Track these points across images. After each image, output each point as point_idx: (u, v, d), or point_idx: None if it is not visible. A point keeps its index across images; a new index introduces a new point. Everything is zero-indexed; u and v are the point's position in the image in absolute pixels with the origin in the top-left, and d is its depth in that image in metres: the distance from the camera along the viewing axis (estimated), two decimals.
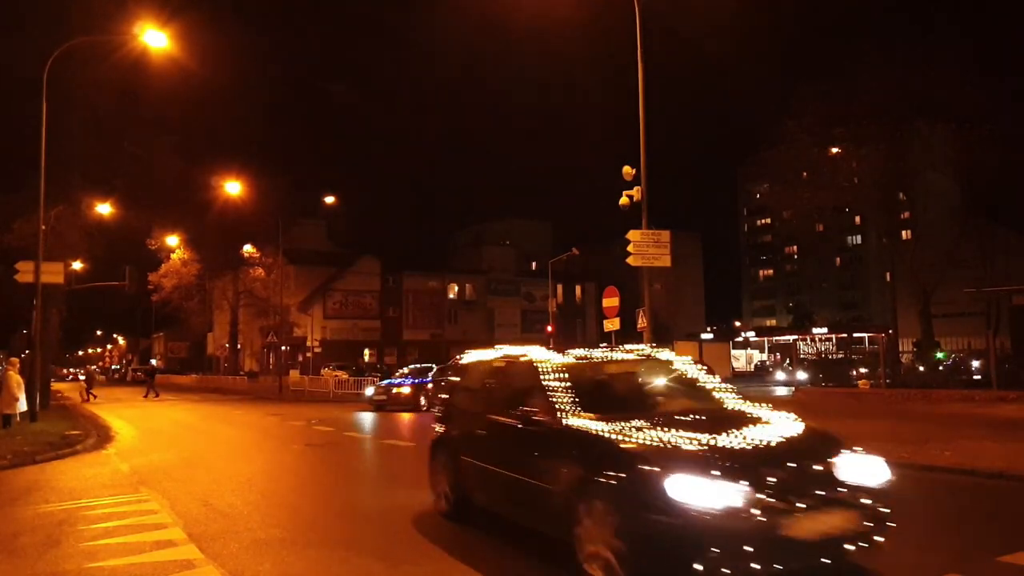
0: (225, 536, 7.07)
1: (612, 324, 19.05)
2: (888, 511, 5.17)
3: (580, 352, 7.29)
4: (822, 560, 4.72)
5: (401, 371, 29.85)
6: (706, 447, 4.94)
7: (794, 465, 4.93)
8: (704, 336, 66.58)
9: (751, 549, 4.40)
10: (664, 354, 7.29)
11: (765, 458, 4.93)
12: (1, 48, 23.61)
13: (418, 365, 29.71)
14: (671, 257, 16.12)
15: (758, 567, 4.41)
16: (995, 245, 35.22)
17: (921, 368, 24.21)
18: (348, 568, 6.03)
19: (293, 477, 10.97)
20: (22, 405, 17.23)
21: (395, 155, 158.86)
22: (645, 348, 7.80)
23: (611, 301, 19.10)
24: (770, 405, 6.47)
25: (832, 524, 4.76)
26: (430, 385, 24.87)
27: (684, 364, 7.02)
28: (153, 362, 60.17)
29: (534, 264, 79.17)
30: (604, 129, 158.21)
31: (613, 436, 5.21)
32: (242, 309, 55.14)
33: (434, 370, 26.37)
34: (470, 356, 8.22)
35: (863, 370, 25.15)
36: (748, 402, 6.48)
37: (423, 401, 24.39)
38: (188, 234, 49.07)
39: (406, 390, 25.15)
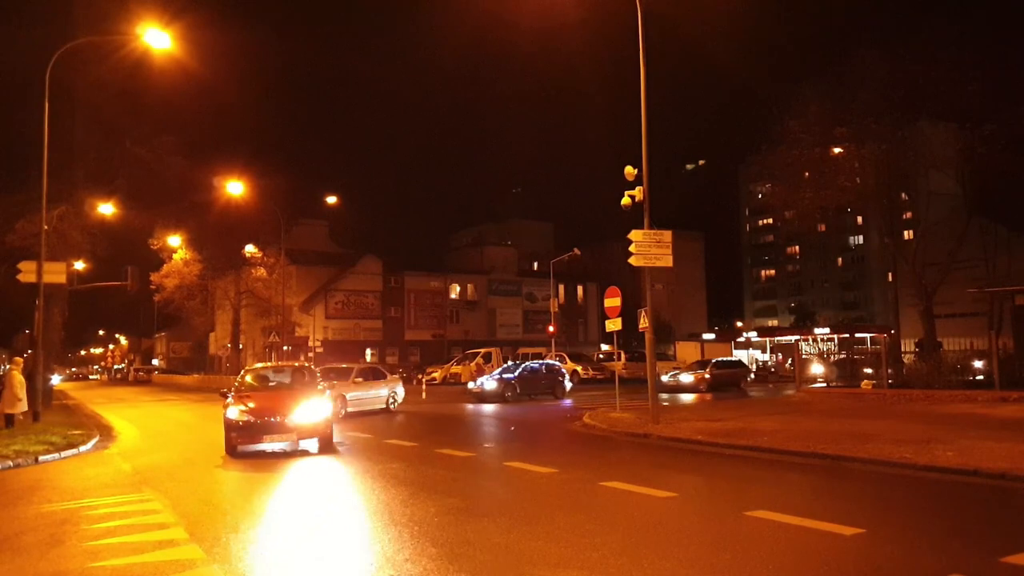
0: (228, 536, 7.07)
1: (614, 324, 19.08)
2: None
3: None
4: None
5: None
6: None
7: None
8: (706, 336, 66.43)
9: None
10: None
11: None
12: (4, 48, 23.67)
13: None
14: (673, 257, 16.13)
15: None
16: (997, 245, 35.18)
17: (923, 368, 24.14)
18: (351, 567, 6.04)
19: (295, 477, 10.97)
20: (24, 405, 17.27)
21: (397, 155, 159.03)
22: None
23: (613, 301, 19.13)
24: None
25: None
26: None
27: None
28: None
29: (536, 264, 79.20)
30: (606, 129, 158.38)
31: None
32: (244, 309, 55.20)
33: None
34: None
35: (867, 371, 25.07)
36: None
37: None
38: (190, 234, 49.15)
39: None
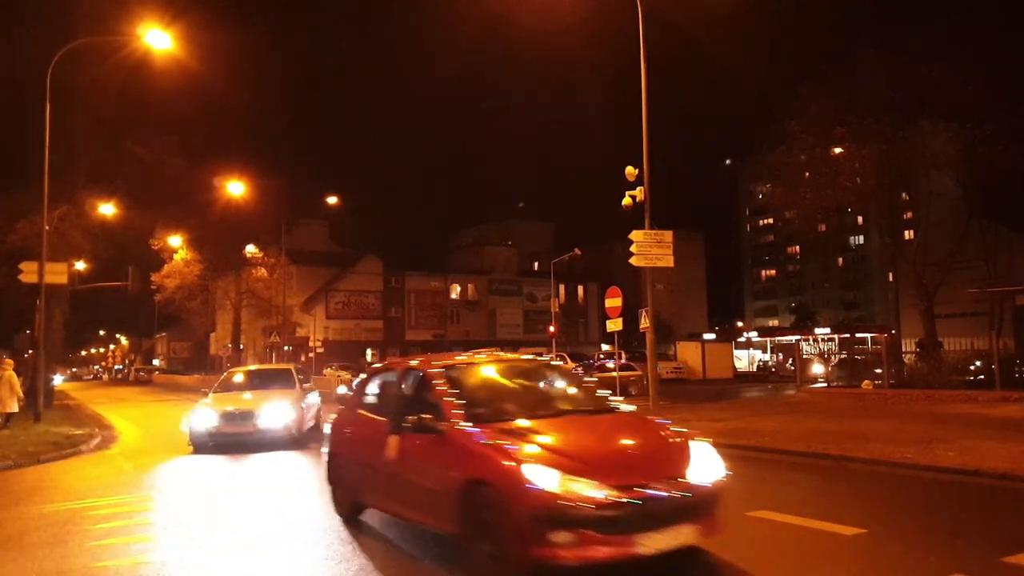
0: (232, 535, 7.08)
1: (615, 324, 19.11)
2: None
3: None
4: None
5: None
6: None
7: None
8: (706, 336, 66.44)
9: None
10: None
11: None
12: (5, 48, 23.71)
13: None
14: (673, 257, 16.15)
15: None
16: (998, 244, 35.18)
17: (924, 368, 24.14)
18: (351, 566, 6.05)
19: (297, 478, 10.98)
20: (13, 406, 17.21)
21: (398, 155, 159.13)
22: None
23: (614, 301, 19.16)
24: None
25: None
26: None
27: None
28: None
29: (536, 264, 79.26)
30: (606, 129, 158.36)
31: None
32: (245, 309, 55.23)
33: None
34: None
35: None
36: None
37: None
38: (191, 234, 49.17)
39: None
